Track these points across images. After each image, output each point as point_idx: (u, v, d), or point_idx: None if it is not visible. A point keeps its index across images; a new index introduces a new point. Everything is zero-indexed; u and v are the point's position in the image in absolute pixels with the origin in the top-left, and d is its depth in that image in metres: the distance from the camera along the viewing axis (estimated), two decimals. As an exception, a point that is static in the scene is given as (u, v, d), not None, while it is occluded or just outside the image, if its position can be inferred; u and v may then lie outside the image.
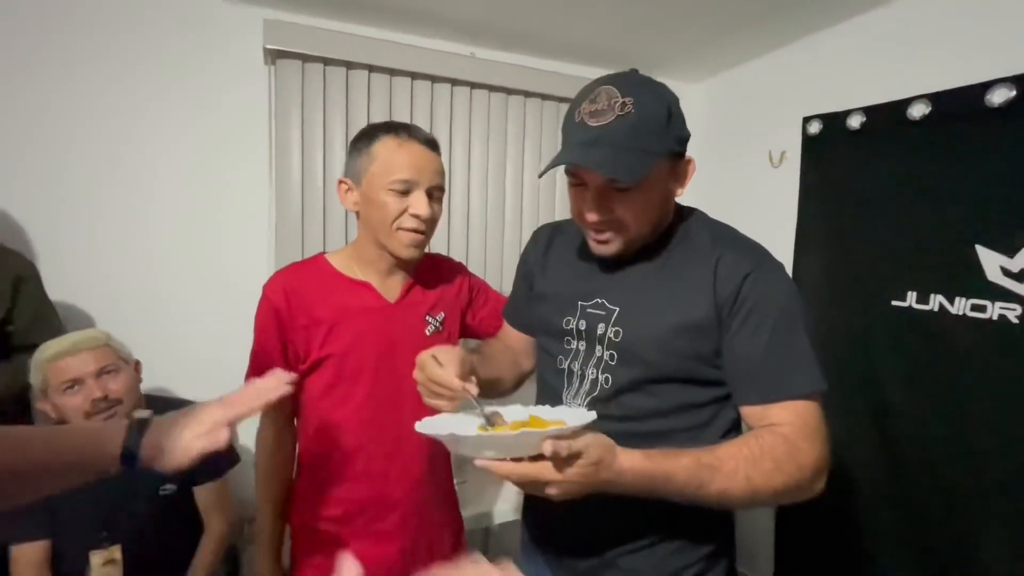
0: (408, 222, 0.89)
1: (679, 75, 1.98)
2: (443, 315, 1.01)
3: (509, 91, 1.75)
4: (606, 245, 0.75)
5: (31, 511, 1.03)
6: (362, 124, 1.57)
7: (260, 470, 1.00)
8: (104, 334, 1.12)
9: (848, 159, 1.47)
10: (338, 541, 0.95)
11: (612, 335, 0.75)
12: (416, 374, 0.71)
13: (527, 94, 1.77)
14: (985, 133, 1.17)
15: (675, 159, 0.72)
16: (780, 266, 0.74)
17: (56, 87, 1.36)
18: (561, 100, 1.81)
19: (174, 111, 1.47)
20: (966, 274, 1.19)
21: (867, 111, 1.42)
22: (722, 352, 0.71)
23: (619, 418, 0.73)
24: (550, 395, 0.83)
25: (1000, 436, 1.12)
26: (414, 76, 1.63)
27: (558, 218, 1.73)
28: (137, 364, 1.17)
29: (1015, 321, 1.10)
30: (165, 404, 1.15)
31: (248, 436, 1.19)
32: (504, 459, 0.57)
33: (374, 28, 1.61)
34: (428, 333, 0.98)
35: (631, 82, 0.68)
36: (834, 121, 1.51)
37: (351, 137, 1.54)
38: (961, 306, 1.21)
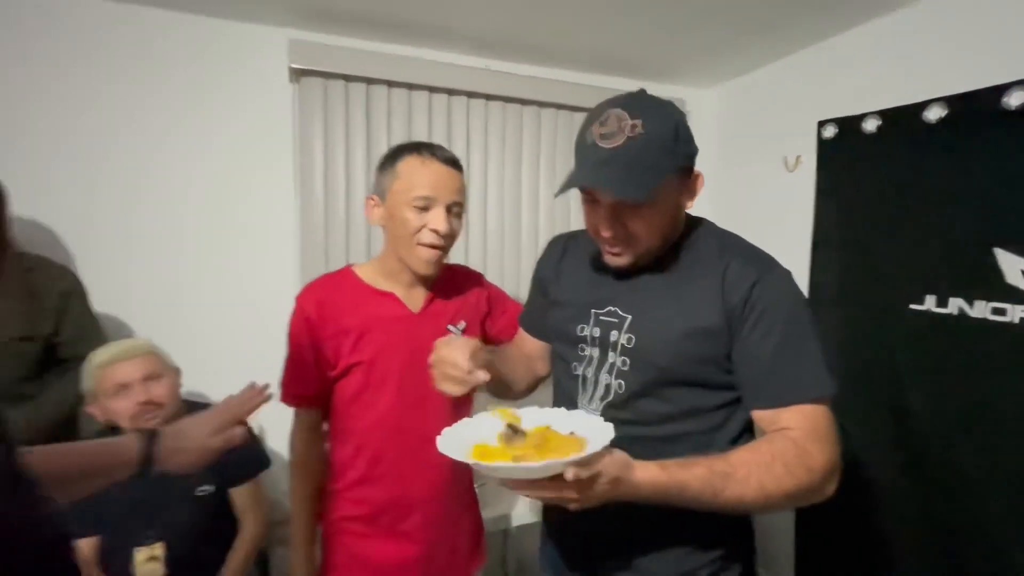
0: (427, 237, 0.93)
1: (692, 81, 1.98)
2: (464, 324, 1.05)
3: (524, 102, 1.79)
4: (619, 257, 0.78)
5: (80, 511, 1.10)
6: (382, 138, 1.65)
7: (293, 471, 1.06)
8: (149, 343, 1.20)
9: (864, 163, 1.47)
10: (365, 539, 1.00)
11: (625, 342, 0.78)
12: (431, 357, 0.75)
13: (541, 104, 1.81)
14: (1002, 135, 1.16)
15: (684, 174, 0.76)
16: (787, 273, 0.76)
17: (90, 106, 1.44)
18: (575, 109, 1.84)
19: (204, 127, 1.54)
20: (985, 277, 1.18)
21: (883, 114, 1.42)
22: (732, 357, 0.73)
23: (633, 422, 0.75)
24: (566, 400, 0.87)
25: (1022, 440, 1.12)
26: (432, 90, 1.69)
27: (574, 225, 1.78)
28: (177, 371, 1.24)
29: (1036, 324, 1.10)
30: (203, 408, 1.22)
31: (280, 441, 1.25)
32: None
33: (393, 44, 1.67)
34: (450, 341, 1.02)
35: (639, 104, 0.72)
36: (849, 125, 1.51)
37: (371, 151, 1.63)
38: (981, 310, 1.20)
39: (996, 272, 1.16)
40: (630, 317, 0.79)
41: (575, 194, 0.81)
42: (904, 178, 1.37)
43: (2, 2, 1.35)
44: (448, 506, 1.04)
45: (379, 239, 1.59)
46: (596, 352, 0.82)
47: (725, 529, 0.79)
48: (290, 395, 1.01)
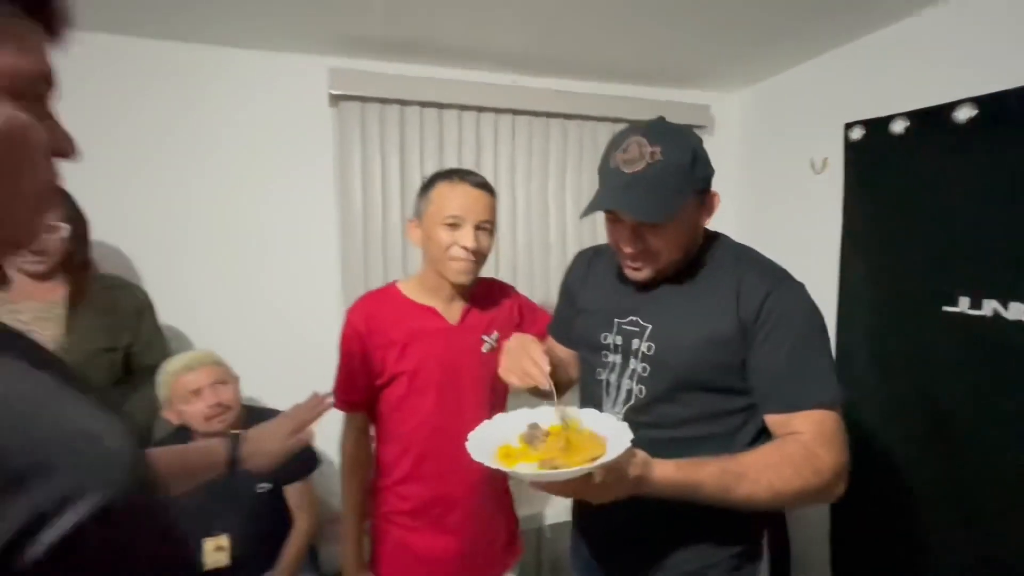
0: (457, 252, 1.02)
1: (717, 86, 2.00)
2: (497, 334, 1.13)
3: (550, 115, 1.86)
4: (640, 272, 0.84)
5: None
6: (415, 156, 1.74)
7: (344, 471, 1.16)
8: (213, 353, 1.33)
9: (892, 164, 1.47)
10: (410, 532, 1.09)
11: (645, 349, 0.84)
12: (513, 347, 0.80)
13: (567, 116, 1.87)
14: (1034, 135, 1.15)
15: (701, 194, 0.81)
16: (799, 286, 0.80)
17: (157, 141, 1.58)
18: (600, 120, 1.89)
19: (254, 153, 1.67)
20: (1021, 280, 1.17)
21: (911, 116, 1.42)
22: (746, 365, 0.78)
23: (654, 426, 0.81)
24: (591, 404, 0.92)
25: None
26: (462, 108, 1.77)
27: (599, 234, 1.83)
28: (237, 378, 1.37)
29: (1072, 326, 1.08)
30: (260, 413, 1.34)
31: (330, 445, 1.35)
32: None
33: (424, 66, 1.75)
34: (484, 351, 1.10)
35: (659, 132, 0.78)
36: (877, 127, 1.51)
37: (405, 168, 1.73)
38: (1017, 311, 1.19)
39: (1031, 273, 1.15)
40: (650, 326, 0.85)
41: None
42: (934, 179, 1.36)
43: (83, 49, 1.51)
44: (485, 502, 1.12)
45: (412, 250, 1.69)
46: (619, 359, 0.88)
47: (742, 528, 0.84)
48: (342, 401, 1.11)
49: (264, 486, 1.35)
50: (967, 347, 1.28)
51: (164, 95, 1.59)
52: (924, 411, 1.38)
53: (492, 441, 0.71)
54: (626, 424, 0.68)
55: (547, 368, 0.76)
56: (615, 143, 0.80)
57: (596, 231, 1.91)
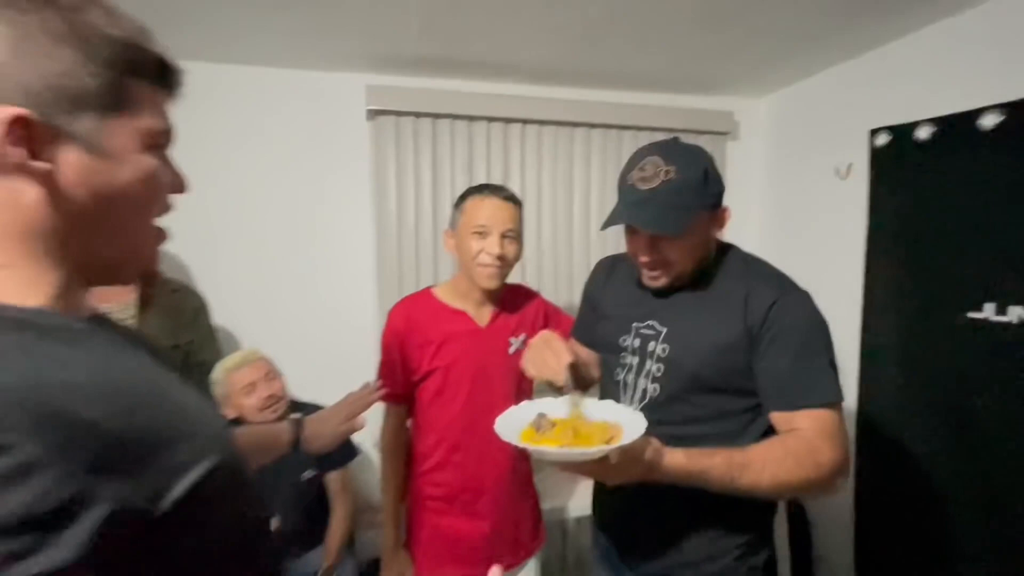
0: (484, 258, 1.12)
1: (742, 92, 2.02)
2: (523, 336, 1.21)
3: (575, 124, 1.92)
4: (656, 280, 0.91)
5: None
6: (446, 166, 1.84)
7: (383, 460, 1.27)
8: (260, 351, 1.45)
9: (918, 171, 1.48)
10: (443, 516, 1.19)
11: (661, 351, 0.91)
12: (537, 342, 0.86)
13: (591, 126, 1.94)
14: (1060, 142, 1.15)
15: (713, 209, 0.87)
16: (805, 295, 0.86)
17: (206, 157, 1.69)
18: (623, 128, 1.94)
19: (295, 165, 1.79)
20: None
21: (936, 122, 1.42)
22: (753, 368, 0.84)
23: (667, 423, 0.86)
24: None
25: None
26: (490, 120, 1.86)
27: (621, 242, 1.87)
28: (281, 373, 1.50)
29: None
30: (304, 407, 1.46)
31: (367, 439, 1.44)
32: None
33: (456, 80, 1.85)
34: (511, 352, 1.19)
35: (673, 151, 0.85)
36: (902, 133, 1.52)
37: (437, 178, 1.84)
38: (1043, 318, 1.20)
39: (1056, 281, 1.16)
40: (666, 330, 0.92)
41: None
42: (959, 186, 1.37)
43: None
44: (511, 490, 1.22)
45: (443, 255, 1.80)
46: (636, 360, 0.95)
47: (750, 519, 0.90)
48: (384, 393, 1.21)
49: (309, 473, 1.47)
50: (992, 353, 1.28)
51: (219, 113, 1.72)
52: (948, 416, 1.38)
53: (518, 424, 0.76)
54: (641, 413, 0.74)
55: (566, 360, 0.81)
56: (632, 162, 0.87)
57: (619, 237, 1.90)
